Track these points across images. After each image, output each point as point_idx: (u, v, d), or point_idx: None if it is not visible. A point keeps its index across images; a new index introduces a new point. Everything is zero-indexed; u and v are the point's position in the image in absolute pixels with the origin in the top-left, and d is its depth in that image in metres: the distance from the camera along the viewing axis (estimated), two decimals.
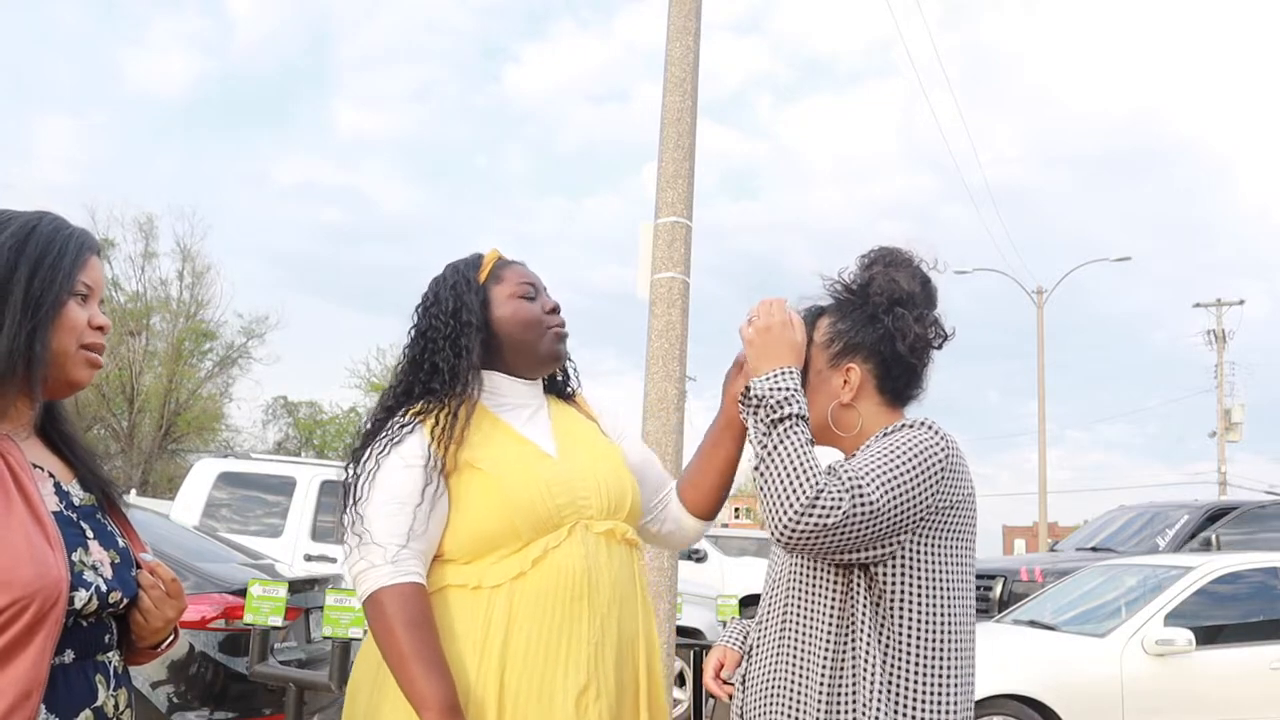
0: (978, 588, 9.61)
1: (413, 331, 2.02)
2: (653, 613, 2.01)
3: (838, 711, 1.71)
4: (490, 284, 2.01)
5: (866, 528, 1.64)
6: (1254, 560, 6.77)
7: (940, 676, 1.72)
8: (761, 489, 1.69)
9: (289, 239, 58.56)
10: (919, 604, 1.72)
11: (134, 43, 56.71)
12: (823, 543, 1.63)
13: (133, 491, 20.53)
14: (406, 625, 1.74)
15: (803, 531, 1.62)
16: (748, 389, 1.77)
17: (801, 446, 1.67)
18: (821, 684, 1.73)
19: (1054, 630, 6.47)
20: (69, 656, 1.43)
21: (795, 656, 1.78)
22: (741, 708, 1.89)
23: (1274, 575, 6.52)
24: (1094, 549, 10.63)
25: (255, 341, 32.23)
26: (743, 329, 1.87)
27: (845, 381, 1.87)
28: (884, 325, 1.86)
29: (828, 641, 1.74)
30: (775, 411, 1.72)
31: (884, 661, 1.71)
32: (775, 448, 1.68)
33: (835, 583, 1.76)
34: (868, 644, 1.71)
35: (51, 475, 1.51)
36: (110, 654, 1.52)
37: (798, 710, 1.76)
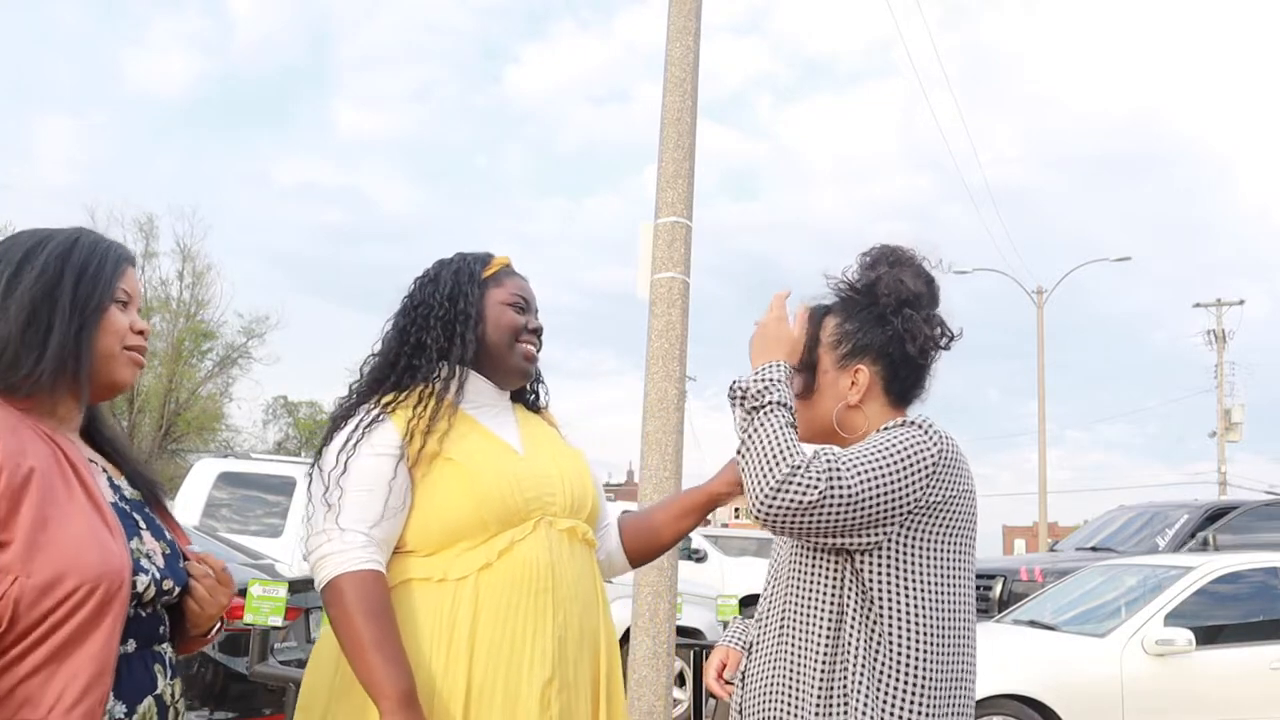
0: (977, 588, 9.61)
1: (406, 301, 2.03)
2: (610, 612, 2.03)
3: (830, 707, 1.72)
4: (490, 284, 2.04)
5: (842, 512, 1.65)
6: (1254, 560, 6.77)
7: (928, 674, 1.72)
8: (742, 468, 1.71)
9: (289, 239, 58.62)
10: (907, 600, 1.72)
11: (134, 43, 56.75)
12: (798, 521, 1.65)
13: None
14: (366, 614, 1.73)
15: (778, 507, 1.64)
16: (735, 382, 1.79)
17: (782, 428, 1.69)
18: (818, 680, 1.74)
19: (1054, 630, 6.47)
20: (131, 646, 1.49)
21: (793, 653, 1.79)
22: (741, 704, 1.90)
23: (1274, 575, 6.52)
24: (1094, 549, 10.63)
25: (255, 341, 32.28)
26: (689, 496, 1.93)
27: (853, 383, 1.86)
28: (894, 327, 1.85)
29: (825, 638, 1.75)
30: (757, 400, 1.74)
31: (872, 657, 1.71)
32: (756, 429, 1.71)
33: (832, 580, 1.76)
34: (855, 640, 1.72)
35: (105, 470, 1.59)
36: (165, 644, 1.58)
37: (794, 706, 1.76)
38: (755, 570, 14.52)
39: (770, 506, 1.64)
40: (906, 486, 1.69)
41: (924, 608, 1.73)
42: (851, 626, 1.73)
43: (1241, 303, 31.08)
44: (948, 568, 1.75)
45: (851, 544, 1.70)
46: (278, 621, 4.33)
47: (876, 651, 1.71)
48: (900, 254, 1.90)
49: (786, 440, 1.67)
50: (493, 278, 2.05)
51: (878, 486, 1.67)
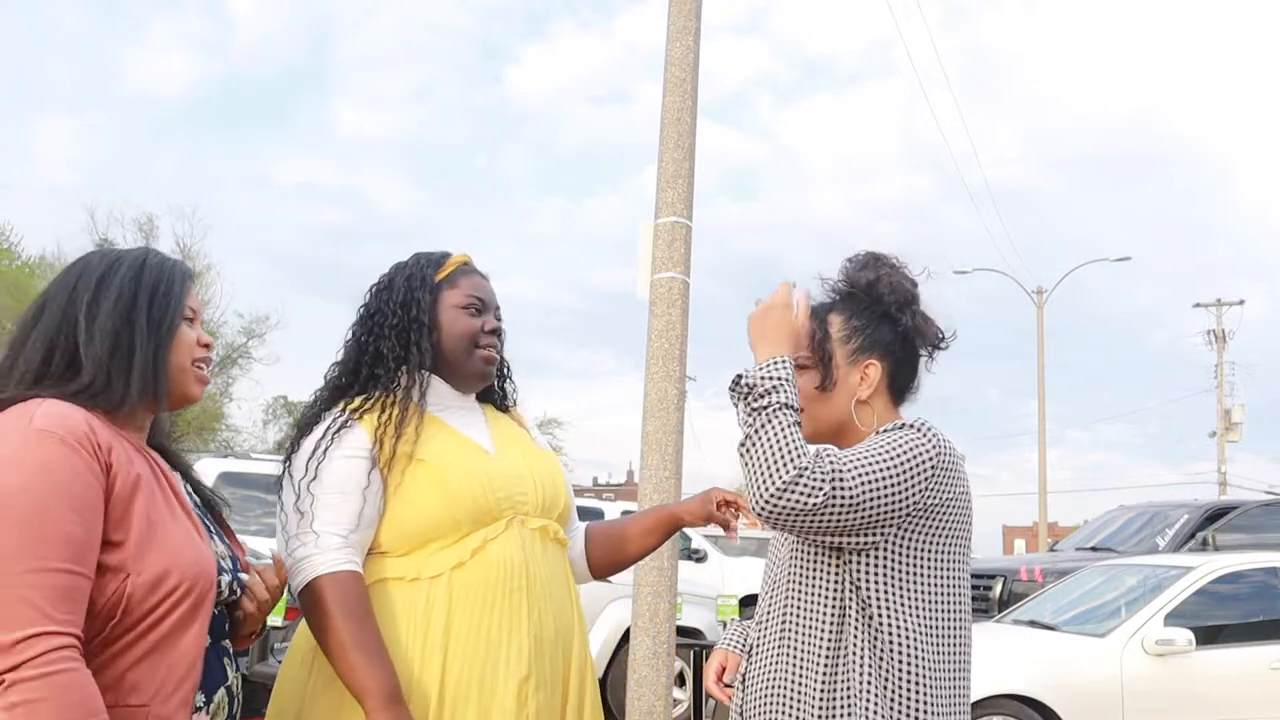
0: (977, 588, 9.60)
1: (361, 310, 2.03)
2: (583, 612, 2.04)
3: (834, 708, 1.72)
4: (444, 286, 2.02)
5: (843, 515, 1.66)
6: (1254, 560, 6.77)
7: (928, 674, 1.73)
8: (745, 465, 1.71)
9: (289, 239, 58.60)
10: (904, 601, 1.73)
11: (134, 43, 56.77)
12: (800, 522, 1.66)
13: None
14: (347, 614, 1.74)
15: (782, 508, 1.65)
16: (739, 376, 1.78)
17: (787, 428, 1.69)
18: (820, 682, 1.74)
19: (1054, 630, 6.47)
20: (207, 640, 1.59)
21: (794, 656, 1.79)
22: (742, 707, 1.90)
23: (1274, 575, 6.52)
24: (1094, 549, 10.63)
25: (255, 341, 32.27)
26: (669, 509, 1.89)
27: (863, 378, 1.89)
28: (902, 324, 1.90)
29: (826, 640, 1.75)
30: (763, 399, 1.73)
31: (876, 658, 1.72)
32: (761, 427, 1.70)
33: (833, 582, 1.77)
34: (858, 642, 1.73)
35: (179, 477, 1.70)
36: (227, 640, 1.69)
37: (796, 709, 1.76)
38: (755, 570, 14.52)
39: (775, 506, 1.65)
40: (906, 489, 1.70)
41: (921, 608, 1.74)
42: (854, 628, 1.73)
43: (1241, 303, 31.07)
44: (944, 568, 1.76)
45: (850, 544, 1.71)
46: (278, 621, 4.33)
47: (880, 652, 1.72)
48: (888, 258, 1.95)
49: (793, 441, 1.67)
50: (447, 279, 2.03)
51: (879, 489, 1.68)
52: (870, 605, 1.73)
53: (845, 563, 1.75)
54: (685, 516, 2.11)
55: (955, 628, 1.77)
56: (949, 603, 1.77)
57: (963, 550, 1.80)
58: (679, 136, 6.03)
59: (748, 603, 11.86)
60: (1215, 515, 10.36)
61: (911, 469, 1.71)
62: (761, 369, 1.77)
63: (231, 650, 1.71)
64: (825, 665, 1.74)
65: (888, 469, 1.70)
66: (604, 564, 2.19)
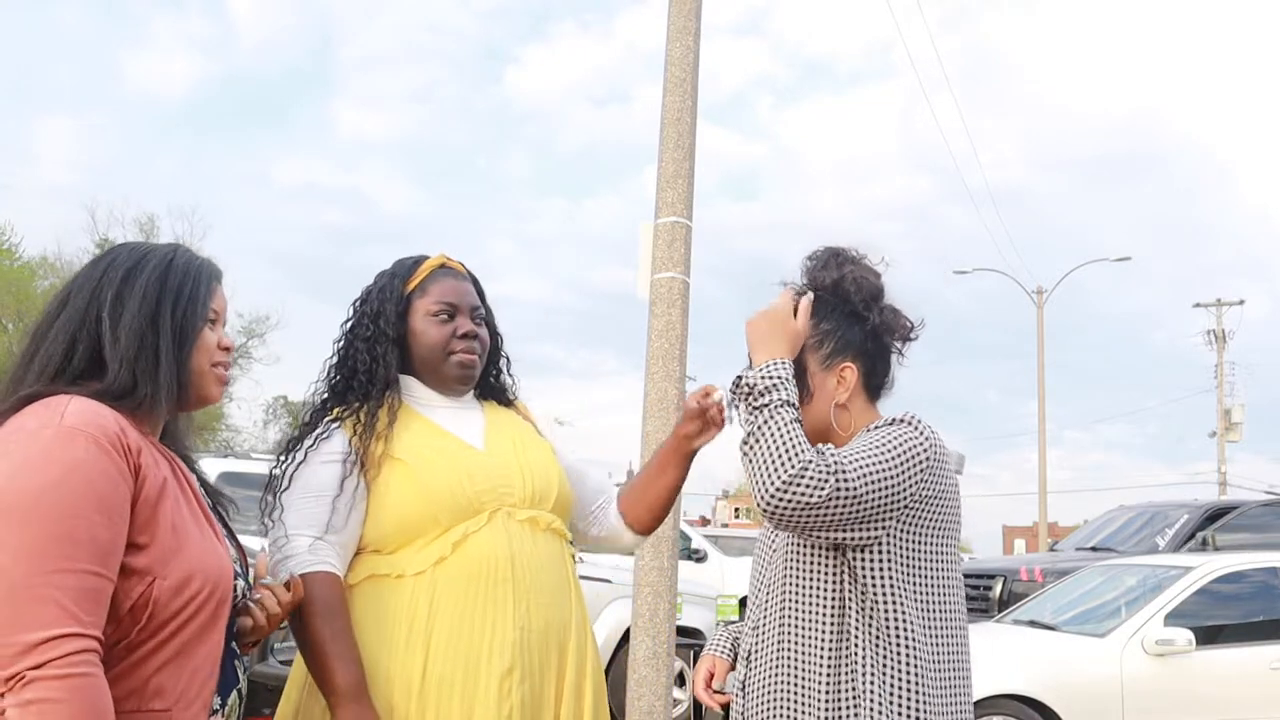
0: (977, 587, 9.61)
1: (345, 324, 2.07)
2: (583, 602, 2.03)
3: (840, 707, 1.72)
4: (415, 295, 2.04)
5: (846, 510, 1.66)
6: (1254, 560, 6.77)
7: (933, 667, 1.73)
8: (748, 462, 1.71)
9: (289, 239, 58.63)
10: (905, 593, 1.73)
11: (135, 44, 56.79)
12: (803, 518, 1.65)
13: None
14: (318, 613, 1.80)
15: (785, 505, 1.64)
16: (739, 378, 1.78)
17: (788, 425, 1.68)
18: (824, 683, 1.73)
19: (1054, 630, 6.47)
20: (223, 644, 1.59)
21: (795, 659, 1.78)
22: (744, 713, 1.89)
23: (1274, 575, 6.51)
24: (1094, 549, 10.63)
25: (255, 341, 32.23)
26: (670, 442, 1.87)
27: (840, 381, 1.88)
28: (870, 321, 1.88)
29: (827, 642, 1.75)
30: (763, 397, 1.73)
31: (880, 655, 1.72)
32: (763, 425, 1.70)
33: (832, 580, 1.76)
34: (860, 640, 1.73)
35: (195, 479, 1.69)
36: (235, 643, 1.68)
37: (801, 710, 1.76)
38: None
39: (778, 503, 1.64)
40: (905, 482, 1.71)
41: (925, 601, 1.74)
42: (855, 626, 1.73)
43: (1241, 303, 31.05)
44: (942, 561, 1.77)
45: (851, 539, 1.70)
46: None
47: (884, 649, 1.72)
48: (848, 253, 1.93)
49: (794, 437, 1.67)
50: (418, 288, 2.05)
51: (880, 482, 1.68)
52: (874, 601, 1.72)
53: (845, 561, 1.75)
54: (682, 432, 2.08)
55: (956, 617, 1.78)
56: (949, 595, 1.77)
57: (953, 543, 1.81)
58: (679, 136, 6.03)
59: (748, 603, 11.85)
60: (1215, 515, 10.35)
61: (909, 461, 1.71)
62: (761, 369, 1.76)
63: (240, 655, 1.70)
64: (828, 667, 1.73)
65: (887, 462, 1.70)
66: (640, 518, 2.17)
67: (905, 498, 1.71)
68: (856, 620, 1.73)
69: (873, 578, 1.72)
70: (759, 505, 1.68)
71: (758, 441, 1.69)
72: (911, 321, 1.93)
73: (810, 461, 1.64)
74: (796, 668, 1.78)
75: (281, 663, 4.63)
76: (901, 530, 1.73)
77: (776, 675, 1.81)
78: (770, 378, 1.75)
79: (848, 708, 1.71)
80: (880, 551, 1.73)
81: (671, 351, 5.82)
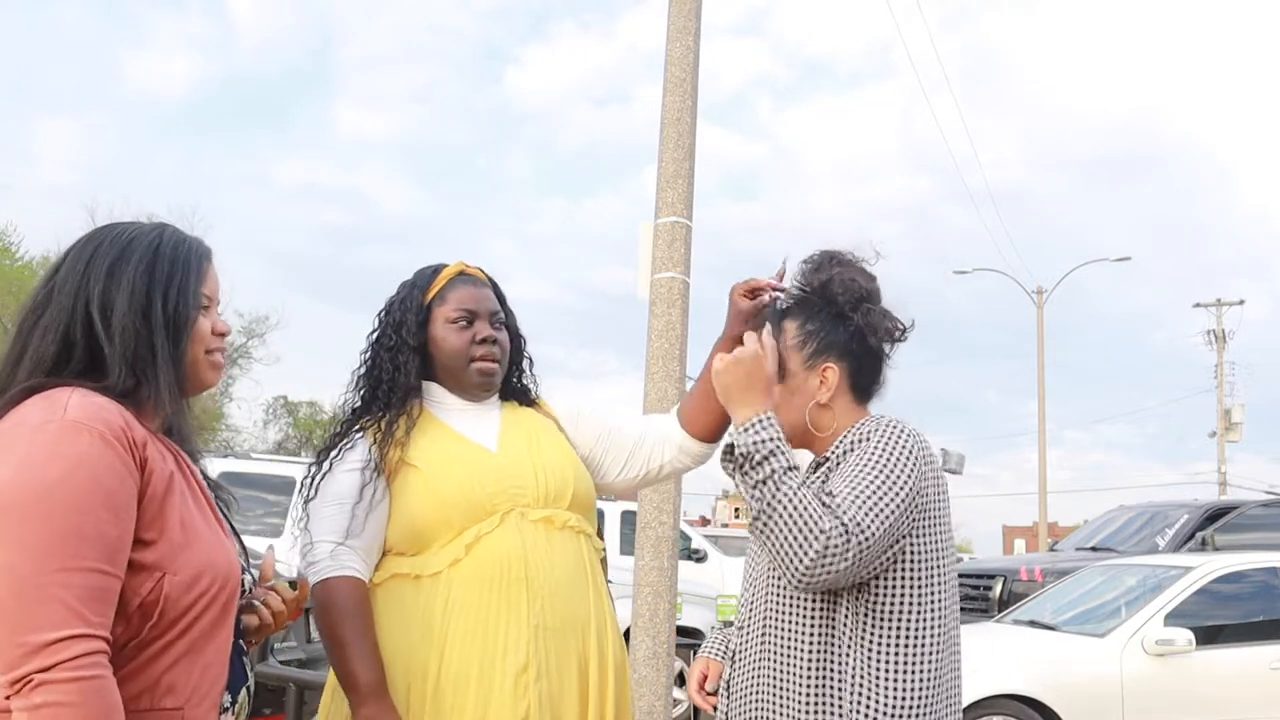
0: (977, 587, 9.61)
1: (371, 335, 2.13)
2: (606, 599, 2.06)
3: (820, 712, 1.72)
4: (435, 303, 2.10)
5: (870, 555, 1.67)
6: (1254, 560, 6.77)
7: (925, 665, 1.73)
8: (765, 541, 1.69)
9: (289, 239, 58.68)
10: (900, 590, 1.74)
11: (135, 44, 56.81)
12: (836, 582, 1.67)
13: None
14: (340, 615, 1.88)
15: (815, 580, 1.65)
16: (731, 447, 1.74)
17: (795, 497, 1.66)
18: (804, 685, 1.74)
19: (1054, 630, 6.47)
20: (232, 640, 1.57)
21: (777, 659, 1.79)
22: (728, 713, 1.90)
23: (1274, 575, 6.51)
24: (1094, 549, 10.62)
25: (255, 341, 32.24)
26: (714, 359, 1.82)
27: (822, 382, 1.88)
28: (854, 322, 1.88)
29: (809, 643, 1.75)
30: (761, 470, 1.69)
31: (867, 654, 1.72)
32: (770, 503, 1.67)
33: None
34: (848, 640, 1.73)
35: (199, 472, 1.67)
36: (242, 640, 1.66)
37: (782, 710, 1.76)
38: None
39: (809, 580, 1.65)
40: (908, 498, 1.71)
41: (918, 593, 1.75)
42: (845, 623, 1.74)
43: (1241, 303, 31.04)
44: (933, 553, 1.78)
45: (879, 569, 1.71)
46: None
47: (873, 647, 1.72)
48: (842, 256, 1.94)
49: (806, 509, 1.65)
50: (437, 296, 2.10)
51: (889, 514, 1.68)
52: (871, 599, 1.73)
53: None
54: (730, 334, 2.07)
55: (949, 616, 1.78)
56: (943, 590, 1.78)
57: (949, 536, 1.81)
58: (679, 136, 6.03)
59: None
60: (1215, 515, 10.34)
61: (906, 474, 1.72)
62: (748, 432, 1.72)
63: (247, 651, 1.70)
64: (810, 667, 1.74)
65: (887, 487, 1.70)
66: (707, 426, 2.17)
67: (912, 510, 1.72)
68: (846, 618, 1.74)
69: (888, 584, 1.73)
70: (790, 583, 1.68)
71: (770, 520, 1.67)
72: (901, 323, 1.92)
73: (828, 530, 1.63)
74: (778, 667, 1.78)
75: (281, 662, 4.63)
76: (911, 534, 1.74)
77: (759, 674, 1.82)
78: (763, 444, 1.71)
79: (829, 704, 1.72)
80: (896, 560, 1.73)
81: (671, 351, 5.82)
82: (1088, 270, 29.24)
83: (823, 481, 1.80)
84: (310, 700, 4.54)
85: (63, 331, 1.48)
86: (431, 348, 2.08)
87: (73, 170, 49.77)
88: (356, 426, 2.05)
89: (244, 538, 1.77)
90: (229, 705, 1.56)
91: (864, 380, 1.91)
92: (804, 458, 1.92)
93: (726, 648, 2.06)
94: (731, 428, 1.76)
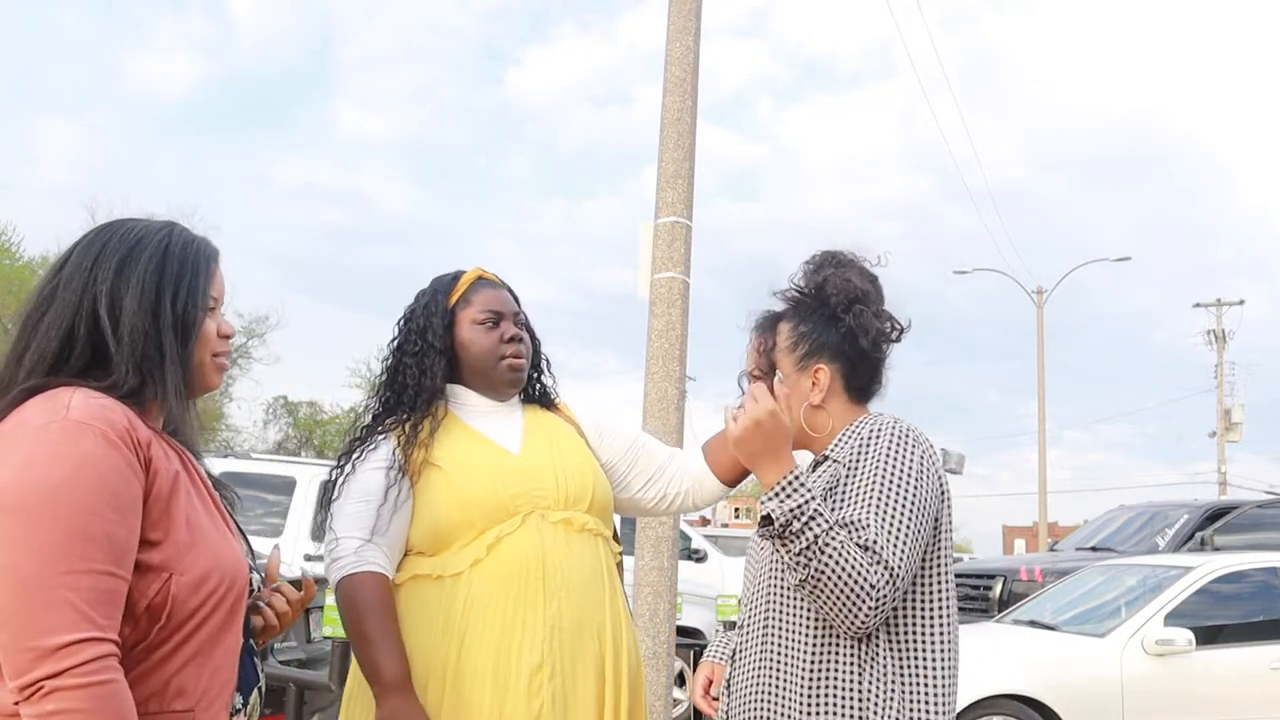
0: (977, 587, 9.61)
1: (392, 343, 2.17)
2: (623, 600, 2.08)
3: (818, 712, 1.72)
4: (460, 307, 2.14)
5: (906, 583, 1.69)
6: (1254, 560, 6.77)
7: (926, 665, 1.74)
8: (817, 603, 1.68)
9: (289, 240, 58.68)
10: (922, 593, 1.75)
11: (135, 44, 56.81)
12: (884, 618, 1.70)
13: None
14: (363, 610, 1.91)
15: (871, 625, 1.66)
16: (767, 517, 1.68)
17: (840, 557, 1.64)
18: (803, 685, 1.74)
19: (1054, 630, 6.47)
20: (241, 641, 1.56)
21: (777, 659, 1.79)
22: (728, 711, 1.90)
23: (1274, 575, 6.52)
24: (1094, 549, 10.62)
25: (255, 341, 32.19)
26: (728, 418, 1.80)
27: (814, 383, 1.88)
28: (846, 324, 1.88)
29: (810, 642, 1.76)
30: (803, 537, 1.64)
31: (868, 655, 1.72)
32: (819, 569, 1.64)
33: None
34: (850, 643, 1.73)
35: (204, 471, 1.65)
36: (252, 640, 1.65)
37: (780, 708, 1.77)
38: None
39: (866, 628, 1.67)
40: (928, 513, 1.73)
41: (920, 595, 1.76)
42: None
43: (1241, 303, 31.03)
44: (943, 554, 1.78)
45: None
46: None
47: (876, 647, 1.72)
48: (842, 256, 1.94)
49: (856, 567, 1.64)
50: (461, 299, 2.14)
51: (919, 539, 1.70)
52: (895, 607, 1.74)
53: None
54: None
55: (948, 616, 1.79)
56: (943, 591, 1.78)
57: (949, 537, 1.81)
58: (679, 136, 6.03)
59: None
60: (1215, 515, 10.34)
61: (923, 489, 1.73)
62: (781, 499, 1.67)
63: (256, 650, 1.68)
64: (809, 667, 1.74)
65: (911, 509, 1.70)
66: (726, 468, 2.20)
67: (932, 519, 1.74)
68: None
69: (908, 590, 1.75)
70: (842, 633, 1.70)
71: (819, 584, 1.65)
72: (895, 323, 1.92)
73: (877, 584, 1.64)
74: (778, 666, 1.79)
75: (281, 662, 4.63)
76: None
77: (759, 673, 1.82)
78: (802, 508, 1.65)
79: (828, 703, 1.72)
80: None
81: (671, 351, 5.82)
82: (1088, 270, 29.25)
83: (829, 487, 1.79)
84: (310, 700, 4.55)
85: (66, 328, 1.45)
86: (459, 350, 2.12)
87: (73, 170, 49.81)
88: (380, 429, 2.08)
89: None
90: (240, 707, 1.54)
91: (859, 381, 1.91)
92: (804, 458, 1.92)
93: (731, 652, 2.07)
94: (763, 496, 1.71)
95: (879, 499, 1.70)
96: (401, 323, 2.17)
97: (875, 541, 1.66)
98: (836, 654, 1.73)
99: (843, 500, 1.75)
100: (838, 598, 1.64)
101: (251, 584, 1.57)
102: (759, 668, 1.82)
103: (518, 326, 2.16)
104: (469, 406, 2.13)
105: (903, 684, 1.72)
